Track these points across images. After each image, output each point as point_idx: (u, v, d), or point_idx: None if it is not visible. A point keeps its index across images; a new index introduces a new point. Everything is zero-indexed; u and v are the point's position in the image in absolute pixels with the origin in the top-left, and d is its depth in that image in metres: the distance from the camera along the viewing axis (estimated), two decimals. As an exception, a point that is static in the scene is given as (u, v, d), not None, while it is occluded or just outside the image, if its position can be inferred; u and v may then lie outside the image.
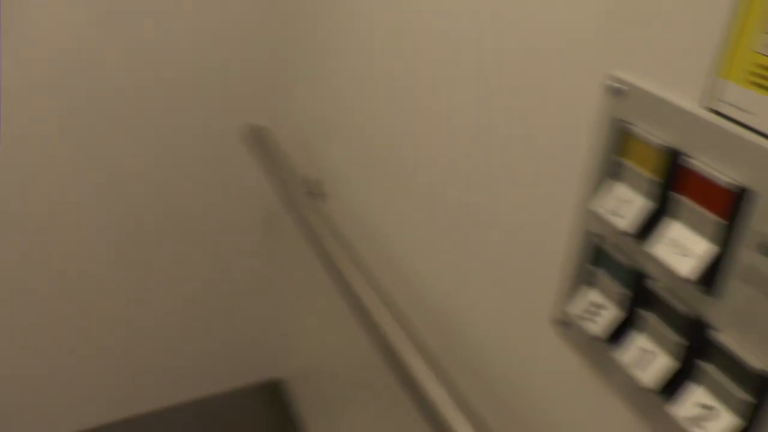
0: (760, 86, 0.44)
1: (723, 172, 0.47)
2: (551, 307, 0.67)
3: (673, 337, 0.52)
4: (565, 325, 0.65)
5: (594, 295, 0.60)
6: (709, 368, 0.49)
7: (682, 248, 0.49)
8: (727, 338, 0.48)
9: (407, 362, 0.82)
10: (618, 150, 0.56)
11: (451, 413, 0.73)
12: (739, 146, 0.46)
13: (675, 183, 0.51)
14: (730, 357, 0.48)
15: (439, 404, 0.75)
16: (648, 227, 0.53)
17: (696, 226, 0.49)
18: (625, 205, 0.55)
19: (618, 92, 0.55)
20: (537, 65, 0.66)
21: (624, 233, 0.54)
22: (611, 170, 0.57)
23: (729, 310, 0.48)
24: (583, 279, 0.62)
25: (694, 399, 0.50)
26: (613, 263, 0.58)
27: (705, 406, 0.49)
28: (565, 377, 0.67)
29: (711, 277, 0.49)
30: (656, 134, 0.52)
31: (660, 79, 0.52)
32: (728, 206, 0.47)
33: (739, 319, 0.47)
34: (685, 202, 0.50)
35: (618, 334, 0.58)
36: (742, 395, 0.47)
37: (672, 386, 0.53)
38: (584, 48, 0.59)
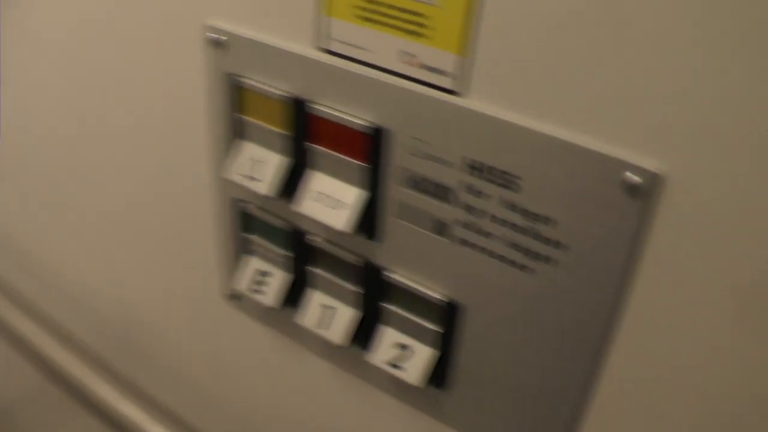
0: (367, 20, 0.40)
1: (352, 114, 0.43)
2: (222, 283, 0.60)
3: (350, 288, 0.49)
4: (240, 299, 0.59)
5: (258, 264, 0.54)
6: (394, 309, 0.48)
7: (332, 200, 0.45)
8: (400, 276, 0.46)
9: (81, 382, 0.70)
10: (239, 107, 0.49)
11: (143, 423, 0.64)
12: (360, 84, 0.42)
13: (308, 133, 0.46)
14: (409, 293, 0.46)
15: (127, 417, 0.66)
16: (293, 183, 0.48)
17: (341, 175, 0.45)
18: (260, 166, 0.49)
19: (219, 44, 0.48)
20: (136, 25, 0.55)
21: (266, 197, 0.48)
22: (238, 130, 0.50)
23: (395, 249, 0.46)
24: (244, 249, 0.55)
25: (389, 342, 0.48)
26: (266, 227, 0.52)
27: (400, 346, 0.48)
28: (259, 353, 0.62)
29: (370, 221, 0.46)
30: (273, 84, 0.46)
31: (265, 25, 0.45)
32: (366, 148, 0.43)
33: (406, 255, 0.45)
34: (323, 152, 0.45)
35: (296, 296, 0.53)
36: (430, 326, 0.46)
37: (366, 335, 0.50)
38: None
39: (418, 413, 0.52)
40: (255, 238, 0.53)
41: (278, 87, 0.46)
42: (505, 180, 0.39)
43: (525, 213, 0.39)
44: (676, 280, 0.36)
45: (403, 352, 0.48)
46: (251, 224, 0.53)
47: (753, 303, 0.34)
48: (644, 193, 0.35)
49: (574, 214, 0.37)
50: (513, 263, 0.41)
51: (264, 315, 0.58)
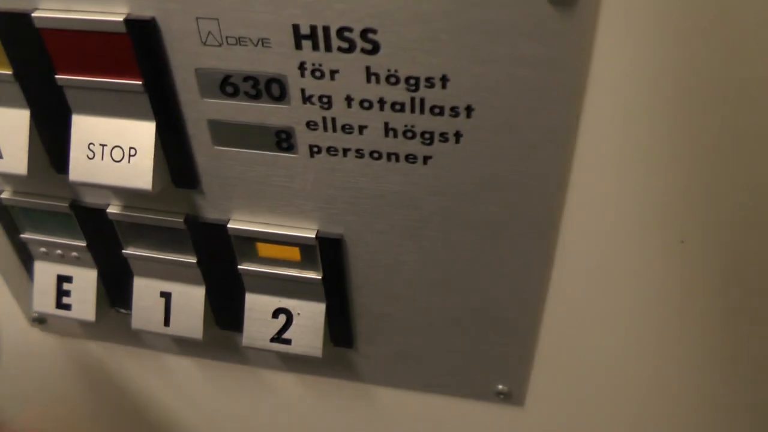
0: None
1: (98, 11, 0.27)
2: (26, 306, 0.42)
3: (185, 261, 0.34)
4: (45, 321, 0.42)
5: (54, 269, 0.37)
6: (254, 269, 0.33)
7: (116, 150, 0.29)
8: (248, 224, 0.32)
9: None
10: None
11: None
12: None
13: (50, 62, 0.28)
14: (265, 241, 0.32)
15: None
16: (58, 144, 0.31)
17: (116, 110, 0.29)
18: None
19: None
20: None
21: (19, 176, 0.31)
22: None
23: (227, 191, 0.31)
24: (27, 255, 0.38)
25: (262, 313, 0.34)
26: (41, 217, 0.35)
27: (280, 313, 0.34)
28: (101, 378, 0.45)
29: (178, 164, 0.30)
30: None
31: None
32: (133, 56, 0.27)
33: (246, 194, 0.30)
34: (79, 82, 0.28)
35: (120, 294, 0.37)
36: (308, 276, 0.32)
37: (230, 311, 0.36)
38: None
39: (331, 380, 0.39)
40: (32, 236, 0.36)
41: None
42: (355, 41, 0.24)
43: (395, 79, 0.25)
44: (625, 96, 0.24)
45: (286, 318, 0.34)
46: (20, 219, 0.36)
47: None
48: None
49: (469, 59, 0.24)
50: (395, 157, 0.27)
51: (88, 330, 0.42)
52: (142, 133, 0.29)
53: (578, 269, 0.29)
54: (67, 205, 0.34)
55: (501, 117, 0.25)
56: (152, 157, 0.29)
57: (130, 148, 0.29)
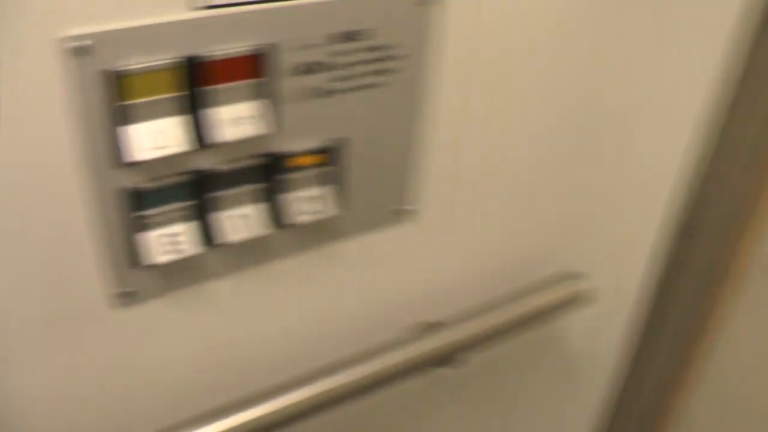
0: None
1: (242, 44, 0.52)
2: (107, 287, 0.57)
3: (258, 186, 0.59)
4: (133, 295, 0.59)
5: (159, 232, 0.56)
6: (294, 176, 0.60)
7: (247, 118, 0.54)
8: (297, 147, 0.59)
9: None
10: (121, 96, 0.49)
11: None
12: (245, 21, 0.51)
13: (199, 82, 0.51)
14: (307, 155, 0.60)
15: None
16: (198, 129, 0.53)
17: (240, 98, 0.53)
18: (163, 135, 0.51)
19: (84, 49, 0.46)
20: None
21: (182, 153, 0.52)
22: (123, 118, 0.50)
23: (291, 128, 0.58)
24: (135, 230, 0.55)
25: (303, 199, 0.62)
26: (166, 191, 0.54)
27: (311, 199, 0.62)
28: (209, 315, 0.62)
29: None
30: (161, 56, 0.49)
31: (131, 12, 0.47)
32: (259, 66, 0.53)
33: (299, 128, 0.58)
34: (221, 88, 0.52)
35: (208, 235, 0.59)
36: (327, 169, 0.62)
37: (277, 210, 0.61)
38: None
39: (325, 244, 0.67)
40: (150, 211, 0.55)
41: (166, 57, 0.49)
42: (355, 36, 0.57)
43: (371, 48, 0.58)
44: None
45: (315, 201, 0.62)
46: (145, 200, 0.54)
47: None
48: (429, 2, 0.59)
49: (396, 34, 0.59)
50: (370, 86, 0.60)
51: (175, 282, 0.60)
52: (254, 107, 0.55)
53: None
54: (188, 176, 0.55)
55: (407, 57, 0.61)
56: (268, 116, 0.55)
57: (247, 116, 0.54)
